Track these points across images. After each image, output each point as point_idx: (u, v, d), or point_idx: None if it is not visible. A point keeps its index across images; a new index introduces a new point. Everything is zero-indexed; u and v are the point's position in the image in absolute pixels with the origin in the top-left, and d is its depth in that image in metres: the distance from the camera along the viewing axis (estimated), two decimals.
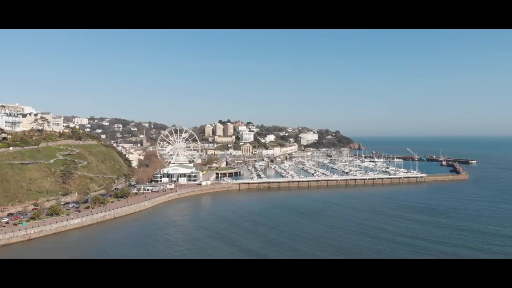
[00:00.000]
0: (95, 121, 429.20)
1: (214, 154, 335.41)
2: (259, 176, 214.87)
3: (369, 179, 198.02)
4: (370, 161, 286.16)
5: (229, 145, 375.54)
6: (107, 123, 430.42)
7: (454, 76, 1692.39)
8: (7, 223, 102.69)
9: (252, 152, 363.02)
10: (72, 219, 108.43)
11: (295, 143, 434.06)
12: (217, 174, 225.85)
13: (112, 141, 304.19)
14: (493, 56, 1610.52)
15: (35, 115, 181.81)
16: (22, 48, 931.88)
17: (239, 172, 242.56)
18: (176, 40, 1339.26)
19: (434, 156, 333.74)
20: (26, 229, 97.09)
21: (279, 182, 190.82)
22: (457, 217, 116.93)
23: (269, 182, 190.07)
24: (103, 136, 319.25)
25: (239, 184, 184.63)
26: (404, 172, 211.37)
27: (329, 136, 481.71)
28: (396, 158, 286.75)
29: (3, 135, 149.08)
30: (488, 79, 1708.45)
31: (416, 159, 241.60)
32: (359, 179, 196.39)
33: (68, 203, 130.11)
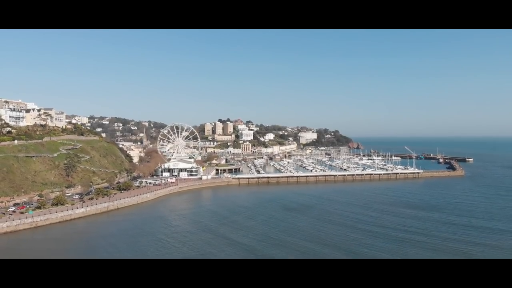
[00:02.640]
0: (95, 120, 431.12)
1: (214, 152, 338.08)
2: (258, 172, 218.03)
3: (366, 174, 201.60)
4: (368, 159, 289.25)
5: (228, 144, 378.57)
6: (107, 122, 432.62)
7: (453, 77, 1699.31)
8: (14, 211, 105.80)
9: (251, 150, 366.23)
10: (77, 208, 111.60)
11: (294, 142, 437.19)
12: (217, 170, 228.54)
13: (113, 140, 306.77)
14: (492, 56, 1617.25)
15: (38, 110, 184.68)
16: (21, 48, 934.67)
17: (239, 168, 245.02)
18: (175, 40, 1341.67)
19: (431, 155, 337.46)
20: (32, 217, 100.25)
21: (278, 177, 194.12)
22: (450, 211, 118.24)
23: (268, 177, 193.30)
24: (103, 135, 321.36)
25: (238, 179, 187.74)
26: (401, 169, 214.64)
27: (328, 136, 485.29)
28: (394, 156, 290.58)
29: (8, 129, 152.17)
30: (487, 80, 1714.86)
31: (413, 157, 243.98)
32: (357, 175, 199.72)
33: (72, 194, 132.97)
